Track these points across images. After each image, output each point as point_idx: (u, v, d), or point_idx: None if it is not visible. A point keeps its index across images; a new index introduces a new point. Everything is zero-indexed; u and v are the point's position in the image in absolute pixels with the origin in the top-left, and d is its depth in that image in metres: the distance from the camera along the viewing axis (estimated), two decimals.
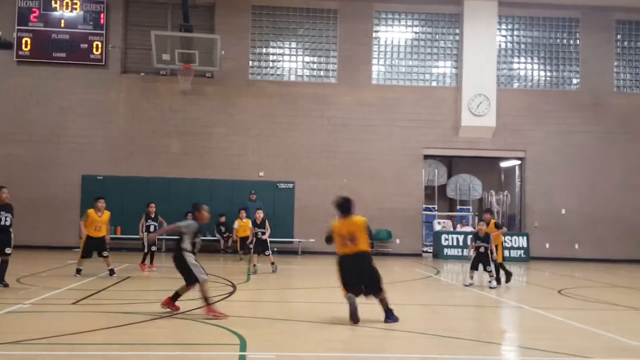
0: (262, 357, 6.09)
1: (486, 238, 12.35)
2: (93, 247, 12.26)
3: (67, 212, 19.14)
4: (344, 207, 8.14)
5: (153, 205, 14.03)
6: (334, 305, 9.99)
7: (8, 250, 10.37)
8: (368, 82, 21.55)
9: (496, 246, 12.49)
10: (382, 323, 7.96)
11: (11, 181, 19.35)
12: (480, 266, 12.42)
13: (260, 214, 14.30)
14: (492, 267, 12.28)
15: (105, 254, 12.28)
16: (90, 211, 12.40)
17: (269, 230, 14.13)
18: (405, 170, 21.40)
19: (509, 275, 12.80)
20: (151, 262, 13.82)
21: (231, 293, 10.55)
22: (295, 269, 16.88)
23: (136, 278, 12.46)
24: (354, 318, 7.88)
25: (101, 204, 12.41)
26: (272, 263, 14.19)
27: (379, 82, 21.76)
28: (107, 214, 12.46)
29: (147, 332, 7.34)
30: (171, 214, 19.59)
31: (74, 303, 9.02)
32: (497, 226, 12.74)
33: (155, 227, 13.74)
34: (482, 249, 12.31)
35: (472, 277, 12.56)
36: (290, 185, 20.94)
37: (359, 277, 8.04)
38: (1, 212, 10.26)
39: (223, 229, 20.15)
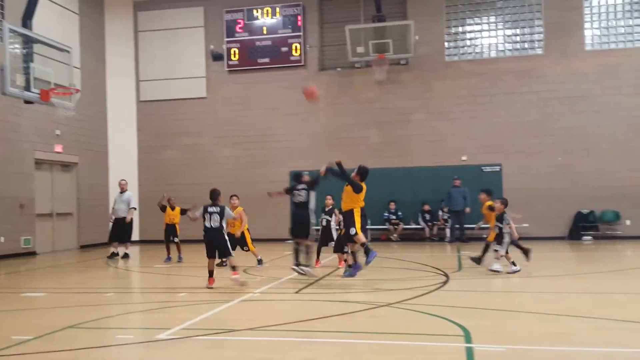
0: (491, 350, 5.67)
1: (499, 218, 11.43)
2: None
3: (280, 206, 20.21)
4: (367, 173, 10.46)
5: (328, 197, 12.84)
6: (557, 295, 9.17)
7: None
8: (581, 48, 19.53)
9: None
10: (612, 314, 7.22)
11: (231, 180, 21.26)
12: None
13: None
14: (501, 248, 11.29)
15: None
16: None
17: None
18: (633, 142, 18.98)
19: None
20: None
21: (444, 282, 10.21)
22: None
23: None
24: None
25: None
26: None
27: (594, 47, 19.60)
28: None
29: (367, 320, 7.33)
30: (373, 204, 19.98)
31: (296, 292, 9.40)
32: (491, 209, 11.69)
33: (327, 220, 12.51)
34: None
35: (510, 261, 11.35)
36: (497, 168, 19.86)
37: None
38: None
39: (428, 216, 19.82)
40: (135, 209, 16.30)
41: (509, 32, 20.24)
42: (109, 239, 16.12)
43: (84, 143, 20.19)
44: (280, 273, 11.59)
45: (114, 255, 15.70)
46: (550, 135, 19.46)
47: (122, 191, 15.94)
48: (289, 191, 11.21)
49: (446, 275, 11.08)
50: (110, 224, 16.10)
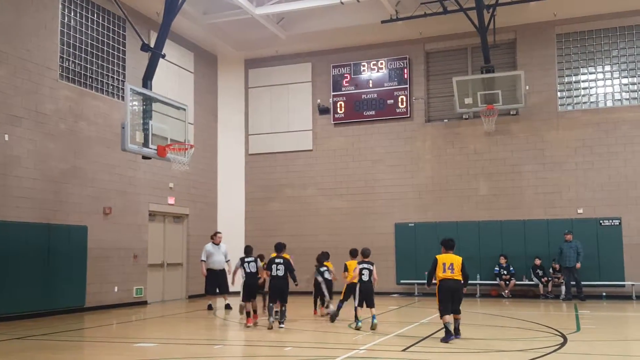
0: None
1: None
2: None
3: (384, 258, 19.93)
4: (450, 244, 10.10)
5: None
6: None
7: None
8: None
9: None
10: None
11: (334, 231, 21.28)
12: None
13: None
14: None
15: None
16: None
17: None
18: None
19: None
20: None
21: (562, 344, 9.47)
22: (632, 317, 14.67)
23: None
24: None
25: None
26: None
27: None
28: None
29: None
30: (483, 258, 19.25)
31: (403, 350, 9.05)
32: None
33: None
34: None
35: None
36: (616, 222, 18.54)
37: (453, 299, 9.80)
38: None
39: (540, 272, 18.75)
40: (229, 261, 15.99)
41: (625, 81, 19.22)
42: (206, 291, 16.12)
43: (195, 195, 21.05)
44: (388, 329, 11.28)
45: (211, 307, 15.88)
46: None
47: (217, 243, 15.93)
48: None
49: (563, 336, 10.32)
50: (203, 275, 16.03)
